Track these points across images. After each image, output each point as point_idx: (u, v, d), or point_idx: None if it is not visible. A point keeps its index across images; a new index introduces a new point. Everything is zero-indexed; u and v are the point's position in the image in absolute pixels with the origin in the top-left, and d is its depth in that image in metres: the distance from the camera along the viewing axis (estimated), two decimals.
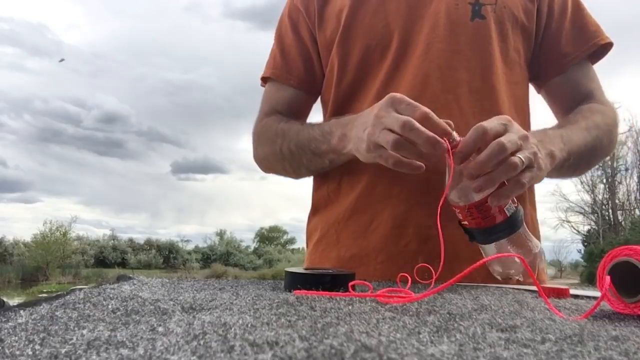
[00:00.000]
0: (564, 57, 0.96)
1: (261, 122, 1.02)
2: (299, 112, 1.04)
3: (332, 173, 0.97)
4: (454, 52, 0.90)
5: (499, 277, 0.76)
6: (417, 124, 0.64)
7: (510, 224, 0.67)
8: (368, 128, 0.70)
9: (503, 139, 0.64)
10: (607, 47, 0.97)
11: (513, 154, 0.65)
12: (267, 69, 1.05)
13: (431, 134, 0.63)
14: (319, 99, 1.06)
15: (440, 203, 0.65)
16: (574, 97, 0.97)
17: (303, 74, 1.01)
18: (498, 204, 0.65)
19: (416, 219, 0.85)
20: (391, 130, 0.67)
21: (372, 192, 0.90)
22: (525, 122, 0.95)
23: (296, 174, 0.99)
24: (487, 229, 0.66)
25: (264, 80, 1.07)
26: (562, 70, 0.96)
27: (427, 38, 0.89)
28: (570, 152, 0.82)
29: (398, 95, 0.69)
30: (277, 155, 0.96)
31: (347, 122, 0.82)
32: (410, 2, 0.92)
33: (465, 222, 0.69)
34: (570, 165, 0.84)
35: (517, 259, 0.69)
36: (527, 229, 0.71)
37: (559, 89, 0.99)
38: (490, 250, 0.70)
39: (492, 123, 0.66)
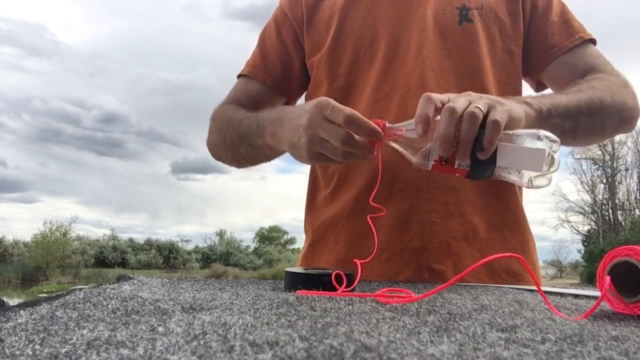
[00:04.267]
0: (551, 47, 0.95)
1: (218, 109, 1.04)
2: (261, 106, 1.03)
3: (328, 173, 0.98)
4: (443, 55, 0.91)
5: (528, 184, 0.70)
6: (353, 136, 0.68)
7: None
8: (303, 138, 0.72)
9: (451, 103, 0.65)
10: (592, 42, 0.97)
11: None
12: (245, 67, 1.07)
13: (370, 126, 0.67)
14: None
15: (373, 195, 0.74)
16: (573, 77, 0.93)
17: (280, 76, 1.03)
18: (488, 155, 0.63)
19: (419, 214, 0.86)
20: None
21: (372, 191, 0.90)
22: None
23: (237, 163, 1.02)
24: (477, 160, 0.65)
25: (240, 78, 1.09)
26: (550, 60, 0.95)
27: (417, 42, 0.91)
28: (555, 104, 0.79)
29: (323, 100, 0.70)
30: (222, 144, 0.99)
31: (275, 119, 0.84)
32: (398, 9, 0.94)
33: (458, 174, 0.67)
34: (564, 119, 0.80)
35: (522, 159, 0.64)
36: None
37: (556, 73, 0.97)
38: (509, 158, 0.65)
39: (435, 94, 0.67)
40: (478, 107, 0.64)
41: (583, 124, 0.85)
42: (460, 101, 0.65)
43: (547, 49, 0.96)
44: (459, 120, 0.64)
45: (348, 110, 0.68)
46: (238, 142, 0.94)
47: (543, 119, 0.77)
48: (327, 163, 0.74)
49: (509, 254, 0.61)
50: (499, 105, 0.66)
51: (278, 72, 1.03)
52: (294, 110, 0.79)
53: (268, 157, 0.94)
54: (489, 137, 0.63)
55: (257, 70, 1.04)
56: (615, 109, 0.87)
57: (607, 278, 0.48)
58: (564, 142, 0.90)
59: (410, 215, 0.87)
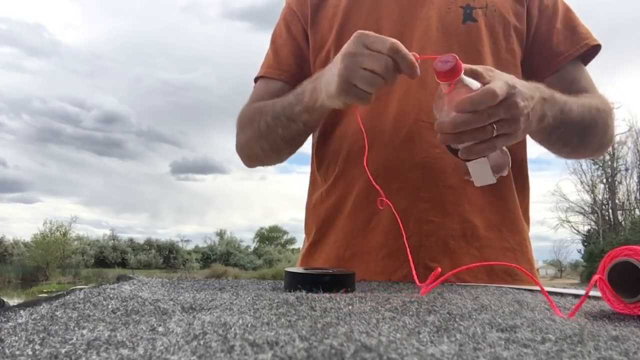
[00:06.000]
0: (556, 56, 0.97)
1: (243, 109, 1.03)
2: None
3: (327, 173, 0.98)
4: (446, 53, 0.91)
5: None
6: (394, 64, 0.67)
7: None
8: (340, 66, 0.69)
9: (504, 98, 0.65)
10: (597, 49, 0.98)
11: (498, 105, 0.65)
12: (260, 70, 1.07)
13: (411, 59, 0.68)
14: None
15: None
16: (569, 94, 0.95)
17: (294, 70, 1.03)
18: (467, 158, 0.67)
19: (416, 213, 0.87)
20: (368, 69, 0.68)
21: (370, 190, 0.90)
22: None
23: (273, 150, 0.98)
24: None
25: (257, 81, 1.09)
26: (555, 69, 0.97)
27: (420, 41, 0.92)
28: (564, 121, 0.82)
29: (362, 31, 0.69)
30: (255, 135, 0.96)
31: (318, 75, 0.82)
32: (402, 8, 0.95)
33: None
34: (560, 134, 0.85)
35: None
36: None
37: (553, 87, 0.98)
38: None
39: (502, 90, 0.66)
40: (492, 127, 0.65)
41: (575, 141, 0.91)
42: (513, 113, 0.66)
43: (553, 56, 0.97)
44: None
45: (391, 38, 0.68)
46: (274, 123, 0.91)
47: (548, 129, 0.80)
48: (352, 100, 0.70)
49: (502, 263, 0.62)
50: (521, 132, 0.69)
51: (292, 67, 1.04)
52: (334, 60, 0.76)
53: (306, 125, 0.90)
54: (478, 150, 0.66)
55: (271, 69, 1.05)
56: (601, 136, 0.94)
57: (595, 277, 0.48)
58: (551, 150, 0.96)
59: (407, 214, 0.87)
